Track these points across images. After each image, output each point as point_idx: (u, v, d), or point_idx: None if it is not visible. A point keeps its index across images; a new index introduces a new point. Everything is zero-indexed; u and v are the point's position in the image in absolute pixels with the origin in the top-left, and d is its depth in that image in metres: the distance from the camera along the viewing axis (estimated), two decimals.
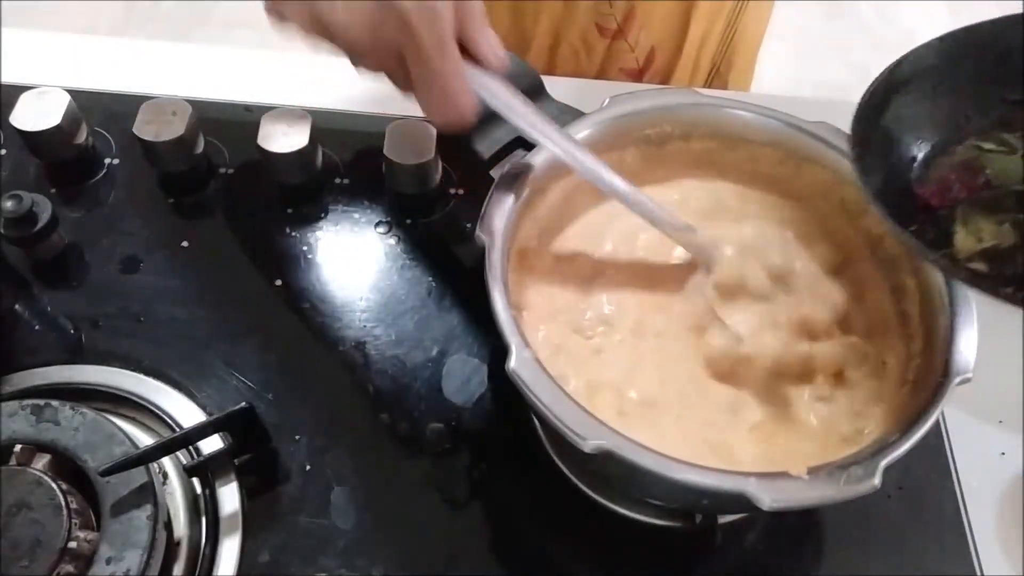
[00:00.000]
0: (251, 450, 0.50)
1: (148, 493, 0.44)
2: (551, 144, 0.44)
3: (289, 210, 0.61)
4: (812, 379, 0.45)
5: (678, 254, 0.49)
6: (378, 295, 0.57)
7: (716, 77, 0.80)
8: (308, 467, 0.50)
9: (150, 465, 0.45)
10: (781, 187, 0.51)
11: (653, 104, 0.50)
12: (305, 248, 0.59)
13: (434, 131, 0.59)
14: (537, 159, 0.47)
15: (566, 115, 0.50)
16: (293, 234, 0.60)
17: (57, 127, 0.58)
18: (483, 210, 0.44)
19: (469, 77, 0.42)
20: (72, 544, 0.42)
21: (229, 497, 0.48)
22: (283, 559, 0.47)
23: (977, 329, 0.41)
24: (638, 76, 0.76)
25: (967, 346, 0.41)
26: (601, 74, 0.76)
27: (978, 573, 0.49)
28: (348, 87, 0.67)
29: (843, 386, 0.45)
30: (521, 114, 0.44)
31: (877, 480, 0.36)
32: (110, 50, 0.70)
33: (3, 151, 0.62)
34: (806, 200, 0.51)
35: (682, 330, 0.46)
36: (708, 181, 0.52)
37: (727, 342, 0.44)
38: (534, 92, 0.51)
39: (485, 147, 0.47)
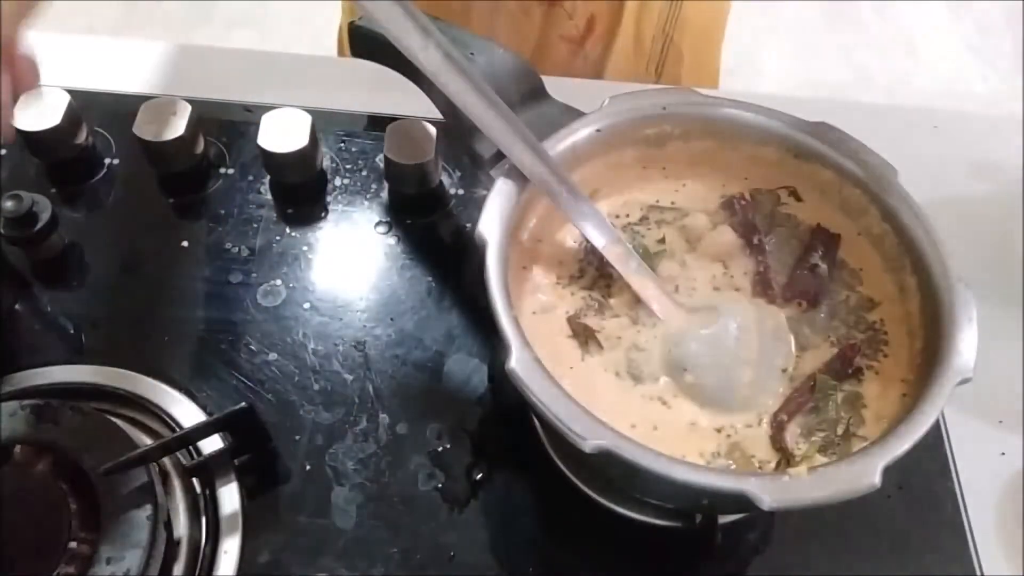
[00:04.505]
0: (251, 450, 0.50)
1: (148, 493, 0.44)
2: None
3: (289, 210, 0.61)
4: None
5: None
6: (378, 295, 0.57)
7: (668, 59, 0.79)
8: (308, 467, 0.50)
9: (150, 465, 0.45)
10: (781, 187, 0.51)
11: (653, 104, 0.50)
12: (305, 248, 0.59)
13: (434, 131, 0.59)
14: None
15: (566, 115, 0.50)
16: (293, 234, 0.60)
17: (57, 127, 0.58)
18: (483, 210, 0.44)
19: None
20: (72, 544, 0.42)
21: (229, 497, 0.48)
22: (283, 559, 0.47)
23: (977, 329, 0.41)
24: (580, 43, 0.76)
25: (967, 346, 0.41)
26: (542, 40, 0.75)
27: (978, 573, 0.49)
28: (348, 87, 0.67)
29: (844, 386, 0.45)
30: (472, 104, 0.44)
31: (877, 480, 0.36)
32: (110, 50, 0.70)
33: (3, 151, 0.62)
34: (806, 200, 0.51)
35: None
36: (708, 181, 0.52)
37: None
38: (533, 92, 0.51)
39: (485, 147, 0.47)
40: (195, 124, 0.60)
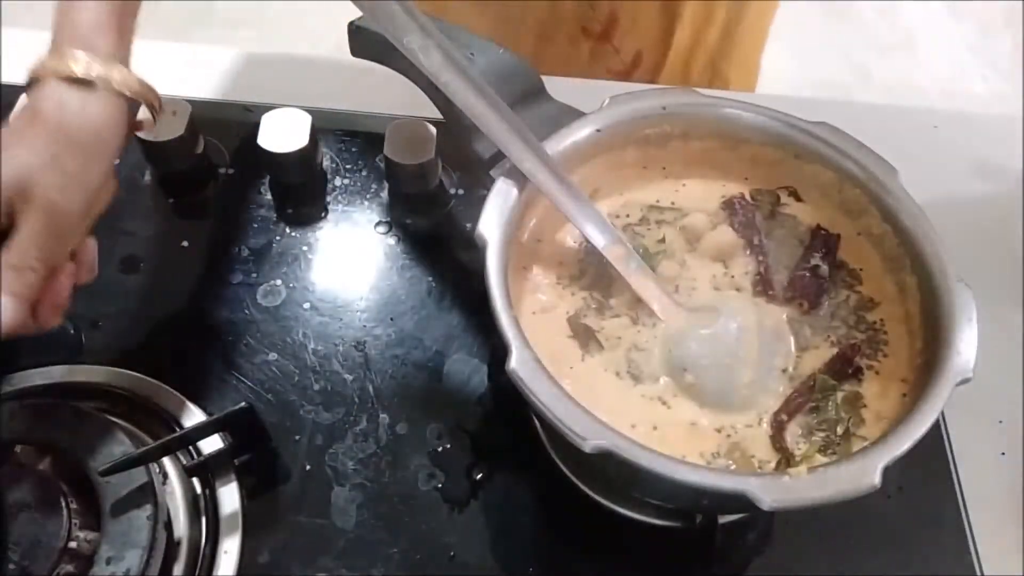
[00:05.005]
0: (251, 450, 0.50)
1: (148, 493, 0.44)
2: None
3: (289, 210, 0.61)
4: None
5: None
6: (378, 295, 0.57)
7: (715, 78, 0.81)
8: (308, 467, 0.50)
9: (150, 465, 0.45)
10: (781, 187, 0.51)
11: (653, 104, 0.50)
12: (305, 248, 0.59)
13: (434, 131, 0.59)
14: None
15: (566, 115, 0.50)
16: (293, 234, 0.60)
17: None
18: (483, 210, 0.44)
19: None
20: (72, 544, 0.42)
21: (229, 497, 0.48)
22: (283, 559, 0.47)
23: (977, 329, 0.41)
24: (626, 75, 0.76)
25: (967, 346, 0.41)
26: (589, 72, 0.77)
27: (978, 573, 0.49)
28: (348, 87, 0.67)
29: (844, 386, 0.45)
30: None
31: (877, 480, 0.36)
32: None
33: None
34: (806, 200, 0.51)
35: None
36: (708, 181, 0.52)
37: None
38: (534, 92, 0.51)
39: (485, 147, 0.47)
40: (195, 124, 0.60)
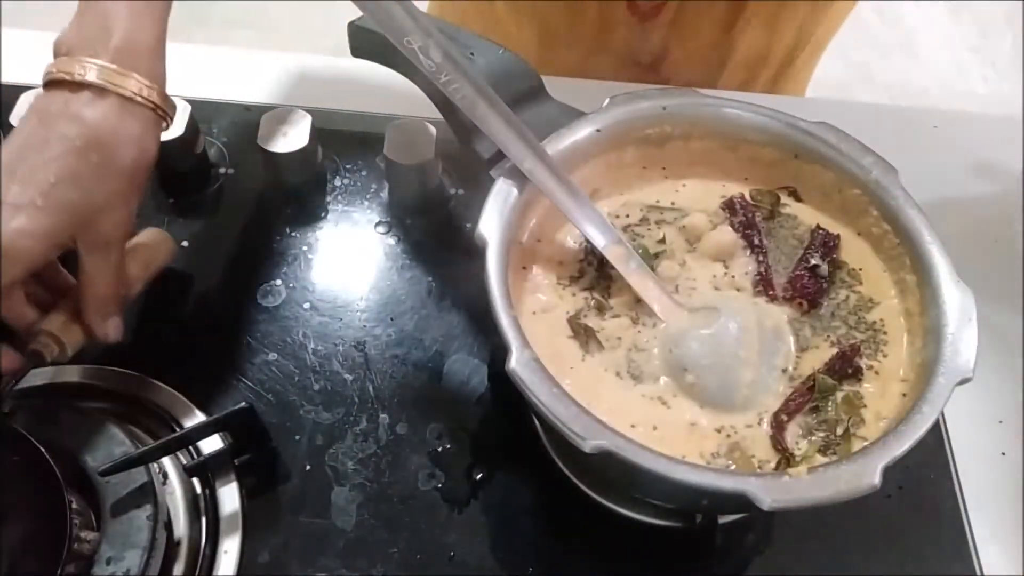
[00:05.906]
0: (251, 450, 0.50)
1: (148, 493, 0.44)
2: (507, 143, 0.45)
3: (289, 210, 0.61)
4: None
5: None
6: (378, 295, 0.57)
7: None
8: (308, 467, 0.50)
9: (150, 465, 0.45)
10: (781, 187, 0.51)
11: (653, 104, 0.50)
12: (305, 248, 0.59)
13: (434, 131, 0.59)
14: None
15: (566, 115, 0.50)
16: (293, 234, 0.60)
17: None
18: (483, 210, 0.44)
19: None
20: (72, 544, 0.42)
21: (229, 497, 0.48)
22: (283, 559, 0.47)
23: (977, 329, 0.41)
24: None
25: (967, 346, 0.41)
26: None
27: (978, 573, 0.49)
28: (348, 87, 0.67)
29: (844, 386, 0.45)
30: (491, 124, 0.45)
31: (877, 480, 0.36)
32: None
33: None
34: (806, 200, 0.51)
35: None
36: (708, 181, 0.52)
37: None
38: (534, 92, 0.51)
39: (485, 147, 0.47)
40: (195, 124, 0.60)
